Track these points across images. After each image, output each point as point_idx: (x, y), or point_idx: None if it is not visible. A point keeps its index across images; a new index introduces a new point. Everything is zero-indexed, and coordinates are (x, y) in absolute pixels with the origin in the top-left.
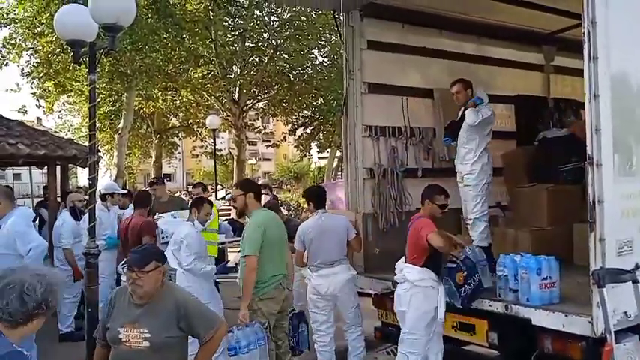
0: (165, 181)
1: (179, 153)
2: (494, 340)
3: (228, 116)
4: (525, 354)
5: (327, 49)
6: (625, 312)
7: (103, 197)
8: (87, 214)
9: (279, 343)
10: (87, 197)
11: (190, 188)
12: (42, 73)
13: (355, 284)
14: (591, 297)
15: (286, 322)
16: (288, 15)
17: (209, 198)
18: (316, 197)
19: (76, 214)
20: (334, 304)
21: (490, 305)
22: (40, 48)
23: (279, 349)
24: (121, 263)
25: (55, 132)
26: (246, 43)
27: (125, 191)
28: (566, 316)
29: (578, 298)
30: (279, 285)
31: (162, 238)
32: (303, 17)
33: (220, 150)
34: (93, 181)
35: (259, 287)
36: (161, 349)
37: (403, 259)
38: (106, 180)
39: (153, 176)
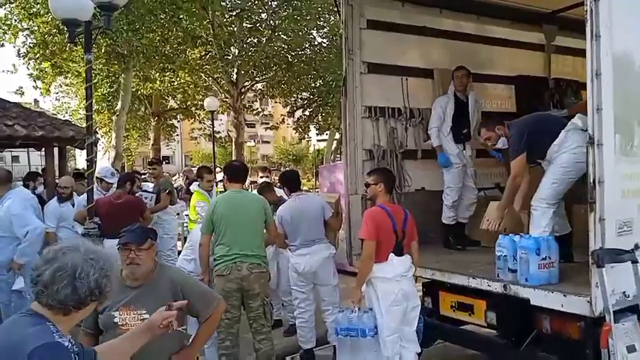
0: (161, 161)
1: (177, 135)
2: (492, 321)
3: (226, 98)
4: (524, 334)
5: (325, 29)
6: (624, 292)
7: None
8: (72, 199)
9: (251, 323)
10: (74, 182)
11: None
12: (38, 54)
13: (335, 263)
14: (590, 277)
15: (256, 304)
16: None
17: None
18: (289, 181)
19: (60, 198)
20: (313, 283)
21: (489, 285)
22: (36, 28)
23: (250, 328)
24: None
25: (53, 114)
26: (244, 24)
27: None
28: (564, 296)
29: (577, 279)
30: (233, 264)
31: None
32: None
33: (219, 132)
34: (90, 162)
35: (214, 264)
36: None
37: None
38: (105, 164)
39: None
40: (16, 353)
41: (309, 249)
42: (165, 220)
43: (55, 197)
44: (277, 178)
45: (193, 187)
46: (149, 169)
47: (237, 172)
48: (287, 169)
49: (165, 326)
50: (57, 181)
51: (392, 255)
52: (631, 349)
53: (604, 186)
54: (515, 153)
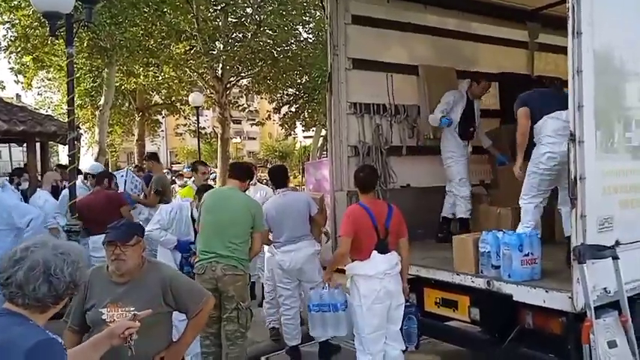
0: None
1: (162, 131)
2: (476, 316)
3: (211, 94)
4: (507, 329)
5: (311, 25)
6: (605, 288)
7: (85, 176)
8: (64, 191)
9: (224, 325)
10: (59, 175)
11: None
12: (19, 48)
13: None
14: (572, 273)
15: (231, 306)
16: None
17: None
18: (276, 177)
19: (57, 193)
20: (298, 280)
21: (472, 281)
22: (17, 21)
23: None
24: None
25: (35, 109)
26: (229, 18)
27: None
28: (546, 292)
29: (559, 275)
30: (208, 264)
31: None
32: None
33: (204, 128)
34: (72, 157)
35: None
36: (148, 327)
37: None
38: (89, 159)
39: (137, 154)
40: (8, 353)
41: (294, 245)
42: None
43: (48, 192)
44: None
45: (191, 182)
46: (144, 164)
47: (234, 169)
48: (273, 164)
49: (125, 337)
50: (53, 177)
51: (374, 252)
52: (612, 344)
53: (585, 183)
54: (517, 106)
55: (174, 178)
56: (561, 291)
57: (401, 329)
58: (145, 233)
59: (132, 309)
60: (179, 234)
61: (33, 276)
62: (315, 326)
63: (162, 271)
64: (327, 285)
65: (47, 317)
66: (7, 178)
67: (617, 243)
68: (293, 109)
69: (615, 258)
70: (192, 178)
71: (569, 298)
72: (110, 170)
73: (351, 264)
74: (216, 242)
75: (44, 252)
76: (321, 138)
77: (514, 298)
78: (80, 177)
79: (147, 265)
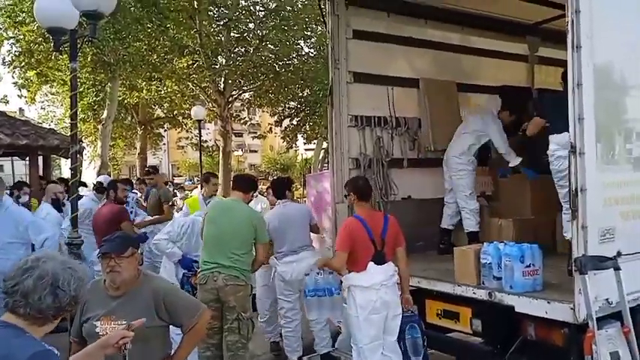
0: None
1: (164, 144)
2: (477, 328)
3: (213, 107)
4: (509, 341)
5: (313, 39)
6: (607, 299)
7: (100, 190)
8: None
9: (225, 335)
10: (61, 187)
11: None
12: (23, 63)
13: None
14: (573, 284)
15: (232, 317)
16: (274, 5)
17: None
18: (276, 188)
19: (59, 205)
20: (299, 291)
21: (474, 293)
22: (22, 37)
23: (224, 340)
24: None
25: (38, 123)
26: (232, 33)
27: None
28: (548, 303)
29: (562, 286)
30: (210, 274)
31: None
32: (288, 7)
33: (206, 141)
34: (75, 170)
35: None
36: (143, 341)
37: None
38: (91, 173)
39: (139, 167)
40: None
41: (296, 256)
42: None
43: (49, 205)
44: (265, 187)
45: (196, 193)
46: (146, 178)
47: (238, 181)
48: (275, 177)
49: (120, 346)
50: (53, 189)
51: (371, 264)
52: (614, 355)
53: (586, 194)
54: (536, 111)
55: (175, 190)
56: (563, 302)
57: (404, 340)
58: (153, 242)
59: (124, 322)
60: (188, 248)
61: (41, 285)
62: (312, 310)
63: (155, 284)
64: (321, 271)
65: (44, 332)
66: (8, 191)
67: (619, 254)
68: (294, 122)
69: (617, 269)
70: (198, 189)
71: (571, 309)
72: None
73: (347, 275)
74: (219, 253)
75: (54, 264)
76: (323, 150)
77: (516, 310)
78: (85, 189)
79: (142, 277)
